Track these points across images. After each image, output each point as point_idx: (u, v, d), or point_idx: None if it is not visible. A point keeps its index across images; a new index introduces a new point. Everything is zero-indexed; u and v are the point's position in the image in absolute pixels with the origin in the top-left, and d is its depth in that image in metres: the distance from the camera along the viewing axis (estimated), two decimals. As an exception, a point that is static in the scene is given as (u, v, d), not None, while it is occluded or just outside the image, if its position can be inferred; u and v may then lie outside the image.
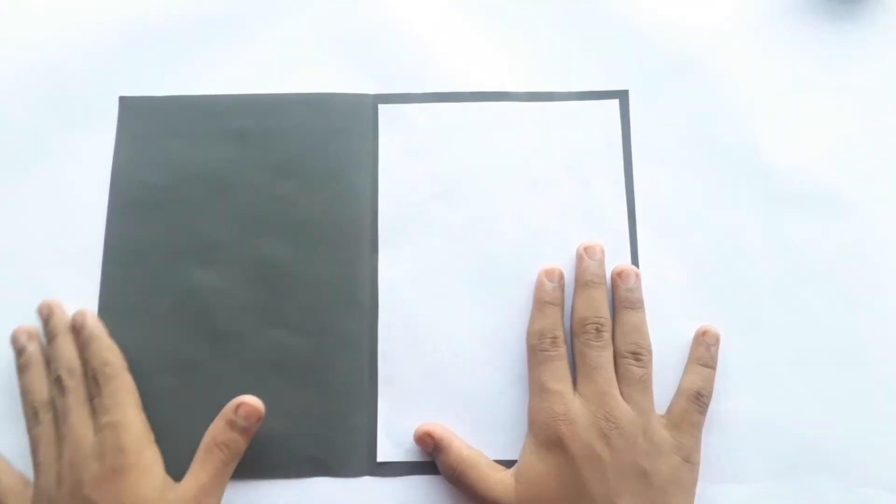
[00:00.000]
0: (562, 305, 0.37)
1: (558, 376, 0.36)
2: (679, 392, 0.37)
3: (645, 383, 0.36)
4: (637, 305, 0.37)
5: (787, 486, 0.37)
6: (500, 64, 0.42)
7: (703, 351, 0.37)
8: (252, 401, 0.35)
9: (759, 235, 0.40)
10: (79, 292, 0.39)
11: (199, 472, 0.34)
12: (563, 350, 0.36)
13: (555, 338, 0.36)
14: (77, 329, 0.37)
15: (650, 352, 0.36)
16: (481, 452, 0.36)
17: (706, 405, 0.36)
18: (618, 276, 0.38)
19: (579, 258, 0.38)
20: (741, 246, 0.40)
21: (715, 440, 0.37)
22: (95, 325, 0.37)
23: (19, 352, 0.37)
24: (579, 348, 0.36)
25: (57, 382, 0.36)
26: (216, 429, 0.35)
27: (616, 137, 0.40)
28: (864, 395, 0.38)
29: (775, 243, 0.40)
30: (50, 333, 0.37)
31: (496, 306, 0.38)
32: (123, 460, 0.33)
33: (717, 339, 0.37)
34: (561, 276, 0.38)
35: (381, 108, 0.41)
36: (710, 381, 0.37)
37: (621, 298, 0.37)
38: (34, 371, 0.37)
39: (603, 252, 0.38)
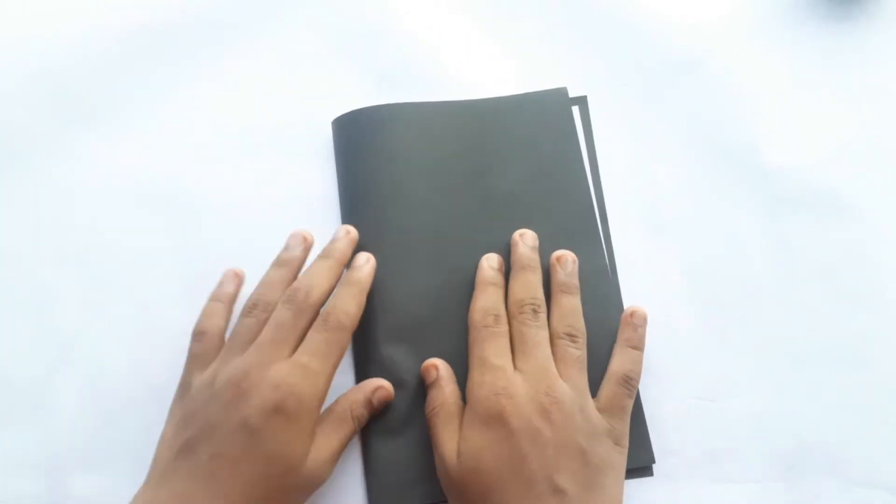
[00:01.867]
0: (503, 288, 0.38)
1: (500, 352, 0.35)
2: (608, 376, 0.37)
3: (581, 364, 0.36)
4: (573, 290, 0.38)
5: (787, 486, 0.37)
6: (505, 65, 0.42)
7: (631, 332, 0.37)
8: (389, 387, 0.37)
9: (758, 235, 0.40)
10: (79, 292, 0.39)
11: (332, 437, 0.35)
12: (504, 328, 0.36)
13: (497, 315, 0.36)
14: (353, 267, 0.38)
15: (584, 336, 0.37)
16: (466, 408, 0.35)
17: (635, 388, 0.36)
18: (556, 260, 0.38)
19: (514, 244, 0.39)
20: (741, 246, 0.40)
21: (715, 440, 0.37)
22: (367, 277, 0.37)
23: (286, 248, 0.38)
24: (517, 328, 0.36)
25: (292, 298, 0.35)
26: (354, 401, 0.36)
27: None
28: (864, 395, 0.38)
29: (775, 243, 0.40)
30: (326, 252, 0.38)
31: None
32: (295, 407, 0.33)
33: (645, 320, 0.38)
34: (501, 263, 0.38)
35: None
36: (638, 364, 0.37)
37: (559, 282, 0.38)
38: (282, 273, 0.37)
39: (536, 239, 0.39)
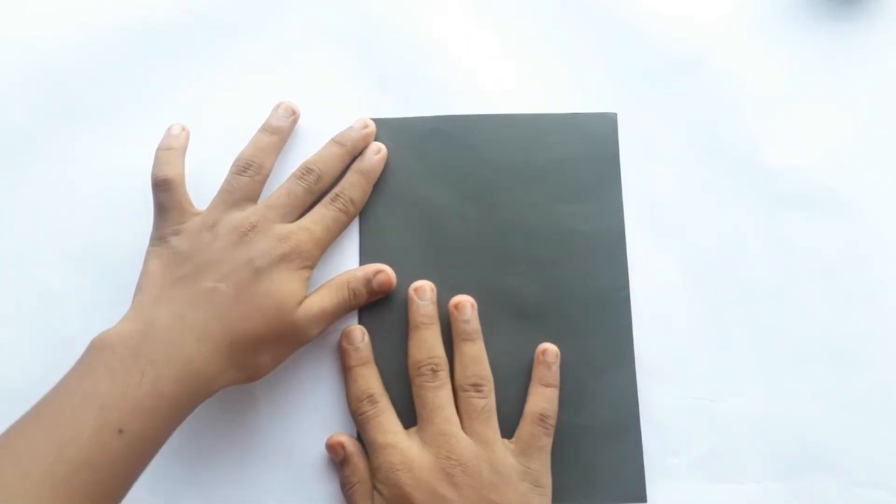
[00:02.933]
0: (372, 365, 0.38)
1: (387, 428, 0.35)
2: (524, 416, 0.36)
3: (488, 413, 0.35)
4: (474, 336, 0.37)
5: (787, 486, 0.37)
6: (505, 65, 0.42)
7: (545, 371, 0.37)
8: (391, 273, 0.38)
9: (758, 235, 0.40)
10: (79, 292, 0.39)
11: (325, 297, 0.37)
12: (384, 403, 0.36)
13: (372, 395, 0.36)
14: (364, 157, 0.39)
15: (491, 381, 0.36)
16: (374, 493, 0.35)
17: (552, 426, 0.36)
18: (454, 307, 0.37)
19: (409, 300, 0.38)
20: (741, 246, 0.40)
21: (715, 440, 0.37)
22: (376, 168, 0.40)
23: (275, 115, 0.40)
24: (416, 392, 0.36)
25: (307, 176, 0.38)
26: (354, 275, 0.38)
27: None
28: (864, 394, 0.38)
29: (775, 243, 0.40)
30: (340, 138, 0.39)
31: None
32: (297, 258, 0.35)
33: (557, 356, 0.37)
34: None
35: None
36: (553, 402, 0.36)
37: (459, 331, 0.37)
38: (273, 140, 0.39)
39: (434, 291, 0.38)
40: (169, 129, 0.39)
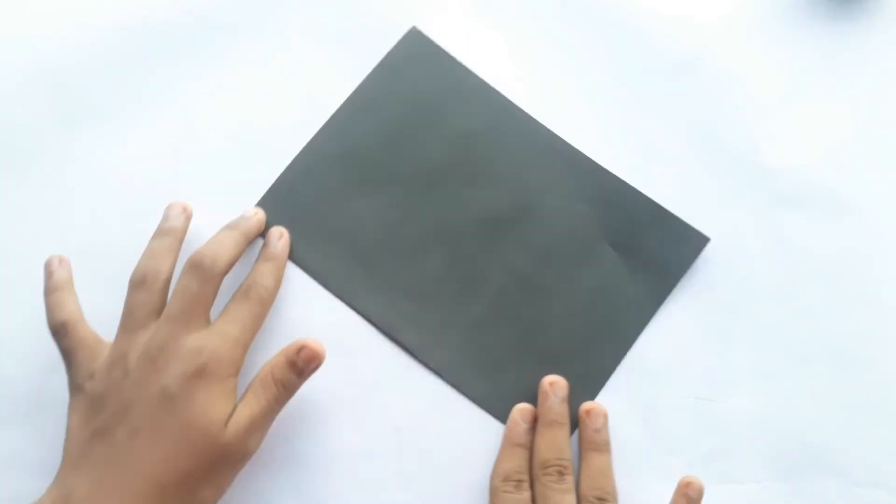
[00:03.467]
0: (530, 448, 0.36)
1: None
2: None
3: None
4: (603, 448, 0.36)
5: (787, 486, 0.37)
6: (506, 65, 0.42)
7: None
8: (315, 345, 0.34)
9: (758, 235, 0.40)
10: (79, 292, 0.39)
11: (252, 403, 0.33)
12: (526, 494, 0.35)
13: (519, 481, 0.35)
14: (268, 243, 0.38)
15: (616, 498, 0.35)
16: None
17: None
18: (586, 414, 0.36)
19: (543, 395, 0.36)
20: (741, 246, 0.40)
21: (715, 440, 0.37)
22: (283, 252, 0.37)
23: (166, 218, 0.37)
24: (541, 491, 0.35)
25: (197, 266, 0.34)
26: (276, 365, 0.34)
27: None
28: (864, 395, 0.38)
29: (775, 243, 0.40)
30: (231, 224, 0.37)
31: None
32: (216, 371, 0.32)
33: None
34: (534, 418, 0.37)
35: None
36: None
37: (588, 440, 0.36)
38: (167, 242, 0.36)
39: (567, 388, 0.37)
40: (46, 265, 0.37)
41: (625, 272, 0.39)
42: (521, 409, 0.37)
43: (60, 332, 0.34)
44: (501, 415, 0.37)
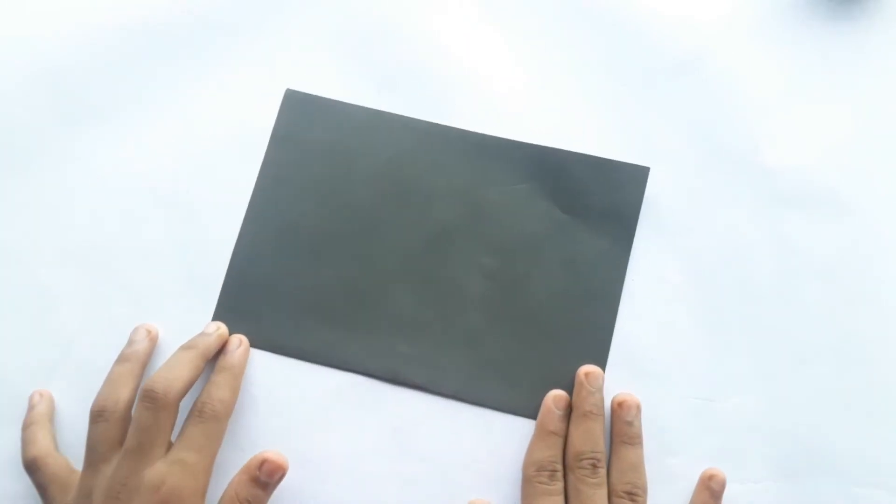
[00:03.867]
0: (564, 436, 0.36)
1: None
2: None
3: None
4: (636, 441, 0.36)
5: (787, 486, 0.37)
6: (503, 64, 0.42)
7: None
8: (276, 457, 0.33)
9: (759, 235, 0.40)
10: (79, 292, 0.39)
11: None
12: (559, 485, 0.35)
13: (553, 471, 0.35)
14: (226, 352, 0.36)
15: (646, 492, 0.35)
16: None
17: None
18: (618, 405, 0.36)
19: (579, 385, 0.36)
20: (741, 246, 0.40)
21: (715, 440, 0.37)
22: (241, 361, 0.36)
23: (129, 342, 0.37)
24: (574, 484, 0.35)
25: (150, 396, 0.33)
26: (239, 484, 0.33)
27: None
28: (864, 395, 0.38)
29: (775, 243, 0.40)
30: (189, 343, 0.36)
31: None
32: (182, 499, 0.32)
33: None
34: (568, 405, 0.36)
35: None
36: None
37: (620, 432, 0.36)
38: (128, 368, 0.36)
39: (602, 378, 0.37)
40: (29, 399, 0.37)
41: (584, 230, 0.39)
42: (556, 395, 0.37)
43: (32, 467, 0.35)
44: (532, 412, 0.37)
